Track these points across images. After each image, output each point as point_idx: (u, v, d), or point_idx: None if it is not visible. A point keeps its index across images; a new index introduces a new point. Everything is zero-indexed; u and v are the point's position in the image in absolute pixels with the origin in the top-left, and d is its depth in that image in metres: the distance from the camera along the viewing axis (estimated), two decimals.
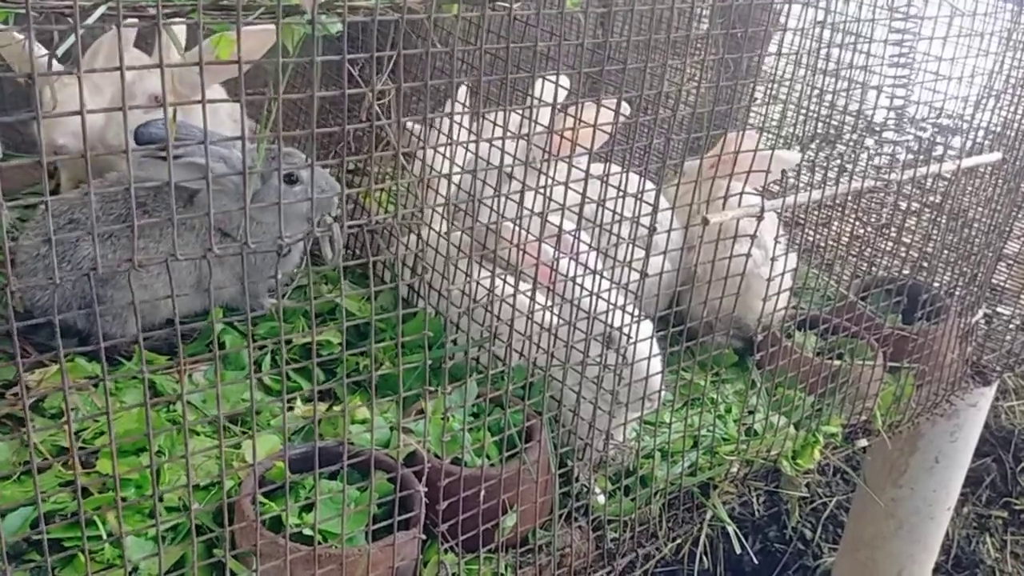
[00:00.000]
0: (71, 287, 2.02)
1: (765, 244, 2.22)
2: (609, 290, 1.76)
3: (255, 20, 1.45)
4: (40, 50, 2.22)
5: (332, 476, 1.70)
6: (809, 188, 1.86)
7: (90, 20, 1.37)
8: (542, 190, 1.61)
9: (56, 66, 2.36)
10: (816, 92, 2.10)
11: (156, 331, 2.12)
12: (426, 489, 1.56)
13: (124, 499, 1.67)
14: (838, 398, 2.29)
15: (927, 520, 3.13)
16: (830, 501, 3.80)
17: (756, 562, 3.30)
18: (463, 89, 2.34)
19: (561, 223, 1.71)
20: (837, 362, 2.30)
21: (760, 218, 1.79)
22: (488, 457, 1.76)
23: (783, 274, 1.94)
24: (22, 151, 2.64)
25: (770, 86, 2.45)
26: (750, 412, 2.21)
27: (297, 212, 2.08)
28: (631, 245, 1.67)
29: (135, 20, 1.55)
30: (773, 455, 2.15)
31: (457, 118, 2.04)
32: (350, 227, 1.17)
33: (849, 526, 3.44)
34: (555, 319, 1.82)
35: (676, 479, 1.99)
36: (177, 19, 1.84)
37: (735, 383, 2.38)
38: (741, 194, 1.79)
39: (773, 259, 1.90)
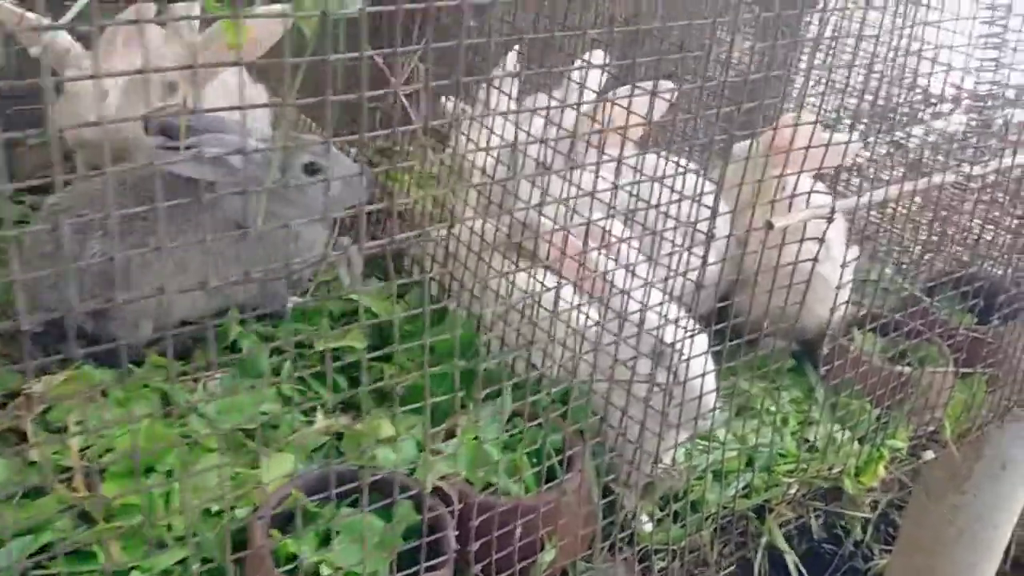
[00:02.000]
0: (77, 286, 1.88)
1: (827, 240, 2.03)
2: (649, 286, 1.58)
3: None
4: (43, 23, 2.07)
5: (353, 504, 1.56)
6: (886, 182, 1.67)
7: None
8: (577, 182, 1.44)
9: (71, 43, 2.21)
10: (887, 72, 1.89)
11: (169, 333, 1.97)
12: (457, 532, 1.41)
13: (126, 527, 1.54)
14: (906, 408, 2.10)
15: (990, 528, 2.94)
16: (881, 499, 3.60)
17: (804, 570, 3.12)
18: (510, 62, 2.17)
19: (589, 216, 1.53)
20: (907, 369, 2.11)
21: (830, 220, 1.60)
22: (525, 484, 1.60)
23: (850, 282, 1.75)
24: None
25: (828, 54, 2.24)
26: (809, 423, 2.03)
27: (319, 206, 1.92)
28: (683, 240, 1.49)
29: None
30: (835, 473, 1.97)
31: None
32: (371, 247, 1.01)
33: (905, 529, 3.26)
34: (596, 327, 1.66)
35: (729, 502, 1.82)
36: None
37: (791, 390, 2.20)
38: (809, 193, 1.60)
39: (843, 266, 1.70)
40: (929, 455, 2.24)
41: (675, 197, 1.47)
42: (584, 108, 1.73)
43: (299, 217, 1.94)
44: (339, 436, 1.80)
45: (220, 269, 1.97)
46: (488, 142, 1.98)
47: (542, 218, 1.74)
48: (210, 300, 2.01)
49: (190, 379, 1.91)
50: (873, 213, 2.51)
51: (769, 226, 1.51)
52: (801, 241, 1.61)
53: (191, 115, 1.82)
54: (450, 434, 1.69)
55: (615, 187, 1.45)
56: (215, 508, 1.60)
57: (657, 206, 1.44)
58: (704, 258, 1.47)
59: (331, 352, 1.95)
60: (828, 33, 2.49)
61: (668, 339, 1.62)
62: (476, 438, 1.67)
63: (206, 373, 1.92)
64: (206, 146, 1.79)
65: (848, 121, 2.30)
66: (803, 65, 2.46)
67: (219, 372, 1.93)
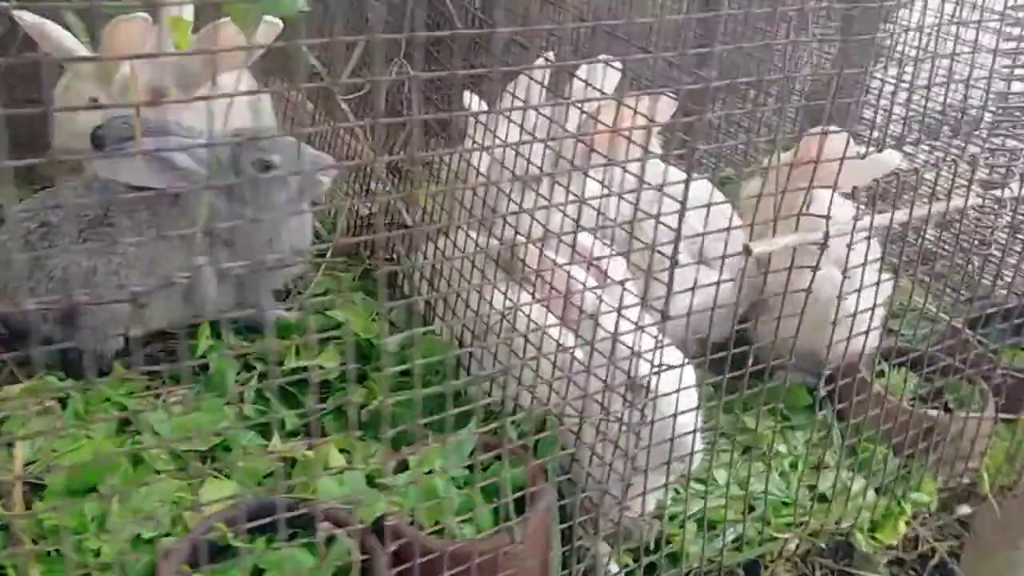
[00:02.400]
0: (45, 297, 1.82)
1: (842, 259, 1.82)
2: (615, 314, 1.43)
3: None
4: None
5: (291, 537, 1.45)
6: (909, 202, 1.47)
7: None
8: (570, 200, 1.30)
9: (77, 46, 2.16)
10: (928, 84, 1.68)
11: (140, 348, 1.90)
12: None
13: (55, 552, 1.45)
14: (932, 457, 1.88)
15: None
16: (939, 546, 3.30)
17: None
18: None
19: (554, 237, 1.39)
20: (933, 412, 1.89)
21: (824, 246, 1.42)
22: (477, 525, 1.46)
23: (874, 310, 1.56)
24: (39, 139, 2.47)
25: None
26: (816, 468, 1.83)
27: (277, 204, 1.83)
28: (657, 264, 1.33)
29: None
30: (845, 527, 1.77)
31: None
32: (242, 267, 0.89)
33: None
34: (566, 354, 1.51)
35: (716, 555, 1.64)
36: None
37: (807, 430, 1.99)
38: (798, 215, 1.42)
39: (858, 291, 1.51)
40: (965, 510, 2.01)
41: (639, 215, 1.31)
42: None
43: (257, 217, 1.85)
44: (293, 462, 1.70)
45: (195, 280, 1.89)
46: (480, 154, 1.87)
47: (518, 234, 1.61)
48: (185, 309, 1.93)
49: (153, 393, 1.83)
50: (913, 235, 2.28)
51: (747, 251, 1.34)
52: (790, 269, 1.43)
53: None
54: (405, 466, 1.56)
55: (561, 199, 1.31)
56: (148, 534, 1.51)
57: (616, 222, 1.29)
58: (669, 286, 1.31)
59: (301, 370, 1.85)
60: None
61: (642, 373, 1.46)
62: (429, 471, 1.53)
63: (170, 388, 1.84)
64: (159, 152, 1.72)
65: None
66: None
67: (182, 389, 1.85)
